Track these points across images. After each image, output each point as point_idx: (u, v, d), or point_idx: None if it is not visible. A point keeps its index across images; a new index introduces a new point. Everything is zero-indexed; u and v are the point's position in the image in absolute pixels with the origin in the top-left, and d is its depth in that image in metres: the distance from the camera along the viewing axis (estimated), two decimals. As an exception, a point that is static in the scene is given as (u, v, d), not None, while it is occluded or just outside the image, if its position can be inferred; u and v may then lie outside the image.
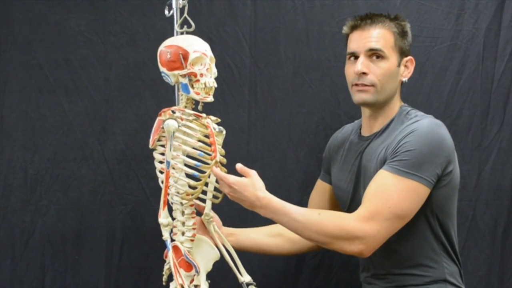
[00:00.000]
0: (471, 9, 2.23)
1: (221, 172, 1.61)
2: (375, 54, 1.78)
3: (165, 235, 1.63)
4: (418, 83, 2.21)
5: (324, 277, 2.24)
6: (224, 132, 1.64)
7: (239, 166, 1.63)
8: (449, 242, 1.79)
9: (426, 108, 2.09)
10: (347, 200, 1.88)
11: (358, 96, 1.80)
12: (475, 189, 2.24)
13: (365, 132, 1.88)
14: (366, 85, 1.78)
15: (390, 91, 1.80)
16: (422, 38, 2.20)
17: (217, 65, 1.65)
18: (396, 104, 1.84)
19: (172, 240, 1.66)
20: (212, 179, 1.66)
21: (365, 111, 1.86)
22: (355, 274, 2.09)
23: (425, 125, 1.72)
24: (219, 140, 1.64)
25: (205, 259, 1.67)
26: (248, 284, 1.70)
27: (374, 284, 1.85)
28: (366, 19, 1.81)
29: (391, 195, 1.66)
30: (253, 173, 1.63)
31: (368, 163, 1.80)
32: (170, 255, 1.62)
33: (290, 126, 2.23)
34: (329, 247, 1.67)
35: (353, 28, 1.82)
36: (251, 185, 1.62)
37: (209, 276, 1.68)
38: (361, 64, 1.78)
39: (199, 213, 1.73)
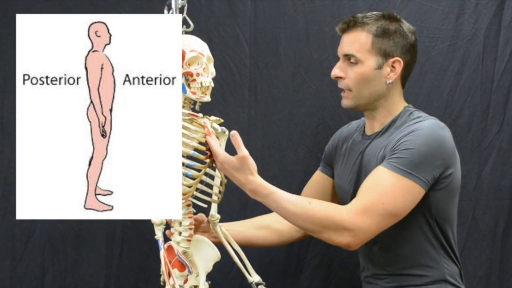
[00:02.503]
0: (471, 9, 2.23)
1: (215, 145, 1.59)
2: (349, 59, 1.79)
3: (158, 234, 1.63)
4: (418, 83, 2.22)
5: (324, 277, 2.24)
6: (227, 132, 1.64)
7: (233, 134, 1.58)
8: (448, 244, 1.79)
9: (426, 108, 2.09)
10: (347, 199, 1.87)
11: (342, 102, 1.84)
12: (475, 189, 2.23)
13: (368, 131, 1.88)
14: (344, 90, 1.81)
15: (371, 94, 1.79)
16: (422, 38, 2.20)
17: (217, 65, 1.65)
18: (397, 104, 1.83)
19: (169, 240, 1.67)
20: (216, 181, 1.66)
21: (364, 111, 1.87)
22: (355, 274, 2.10)
23: (427, 125, 1.72)
24: (220, 140, 1.64)
25: (205, 260, 1.66)
26: (257, 284, 1.70)
27: (374, 284, 1.85)
28: (348, 22, 1.81)
29: (386, 192, 1.66)
30: (244, 156, 1.58)
31: (369, 162, 1.80)
32: (161, 255, 1.62)
33: (290, 126, 2.23)
34: (317, 236, 1.67)
35: (340, 31, 1.84)
36: (241, 168, 1.59)
37: (209, 276, 1.68)
38: (337, 68, 1.81)
39: (196, 213, 1.73)
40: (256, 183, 1.61)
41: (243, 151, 1.58)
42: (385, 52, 1.78)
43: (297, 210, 1.64)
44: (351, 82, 1.79)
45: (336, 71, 1.81)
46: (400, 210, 1.68)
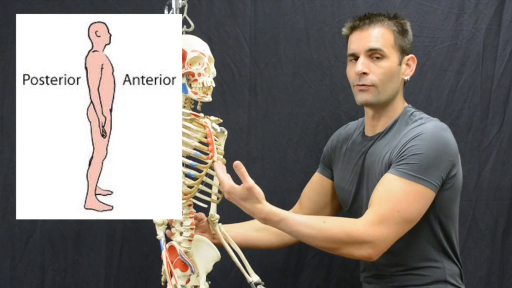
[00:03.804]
0: (471, 9, 2.23)
1: (221, 174, 1.56)
2: (375, 54, 1.78)
3: (160, 234, 1.63)
4: (418, 83, 2.21)
5: (324, 277, 2.24)
6: (226, 132, 1.64)
7: (237, 165, 1.53)
8: (449, 243, 1.79)
9: (426, 108, 2.09)
10: (348, 200, 1.88)
11: (360, 97, 1.80)
12: (475, 189, 2.23)
13: (369, 132, 1.88)
14: (367, 85, 1.78)
15: (392, 90, 1.80)
16: (422, 38, 2.20)
17: (217, 65, 1.65)
18: (399, 104, 1.84)
19: (169, 240, 1.67)
20: (215, 181, 1.66)
21: (368, 112, 1.86)
22: (355, 274, 2.10)
23: (431, 128, 1.72)
24: (220, 140, 1.64)
25: (205, 260, 1.66)
26: (256, 284, 1.70)
27: (374, 284, 1.85)
28: (365, 19, 1.81)
29: (399, 199, 1.66)
30: (250, 187, 1.53)
31: (372, 164, 1.80)
32: (163, 255, 1.62)
33: (290, 126, 2.23)
34: (336, 252, 1.66)
35: (352, 29, 1.83)
36: (248, 198, 1.55)
37: (209, 276, 1.68)
38: (361, 64, 1.78)
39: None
40: (265, 211, 1.57)
41: (248, 181, 1.54)
42: (402, 49, 1.81)
43: (313, 231, 1.61)
44: (377, 77, 1.78)
45: (360, 67, 1.78)
46: (415, 215, 1.68)
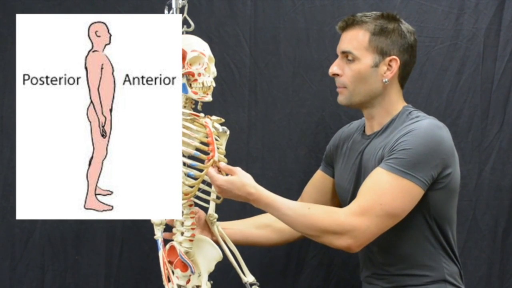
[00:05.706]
0: (471, 9, 2.23)
1: (212, 173, 1.62)
2: (347, 56, 1.80)
3: (157, 234, 1.64)
4: (418, 83, 2.22)
5: (324, 277, 2.24)
6: (228, 132, 1.65)
7: (222, 164, 1.64)
8: (447, 243, 1.79)
9: (426, 108, 2.09)
10: (347, 199, 1.88)
11: (338, 98, 1.85)
12: (475, 189, 2.23)
13: (367, 131, 1.88)
14: (340, 87, 1.82)
15: (366, 92, 1.80)
16: (422, 38, 2.20)
17: (217, 65, 1.65)
18: (393, 104, 1.83)
19: (169, 241, 1.67)
20: None
21: (362, 111, 1.87)
22: (355, 274, 2.10)
23: (425, 125, 1.72)
24: (221, 140, 1.64)
25: (207, 260, 1.67)
26: (251, 284, 1.70)
27: (374, 284, 1.85)
28: (347, 20, 1.83)
29: (383, 192, 1.66)
30: (238, 170, 1.64)
31: (367, 162, 1.80)
32: (160, 255, 1.62)
33: (290, 126, 2.23)
34: (318, 240, 1.68)
35: (340, 29, 1.86)
36: (239, 182, 1.62)
37: (209, 276, 1.68)
38: (335, 65, 1.82)
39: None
40: (256, 193, 1.65)
41: (233, 168, 1.64)
42: (382, 51, 1.78)
43: (298, 217, 1.66)
44: (347, 80, 1.80)
45: (333, 68, 1.82)
46: (399, 210, 1.68)
